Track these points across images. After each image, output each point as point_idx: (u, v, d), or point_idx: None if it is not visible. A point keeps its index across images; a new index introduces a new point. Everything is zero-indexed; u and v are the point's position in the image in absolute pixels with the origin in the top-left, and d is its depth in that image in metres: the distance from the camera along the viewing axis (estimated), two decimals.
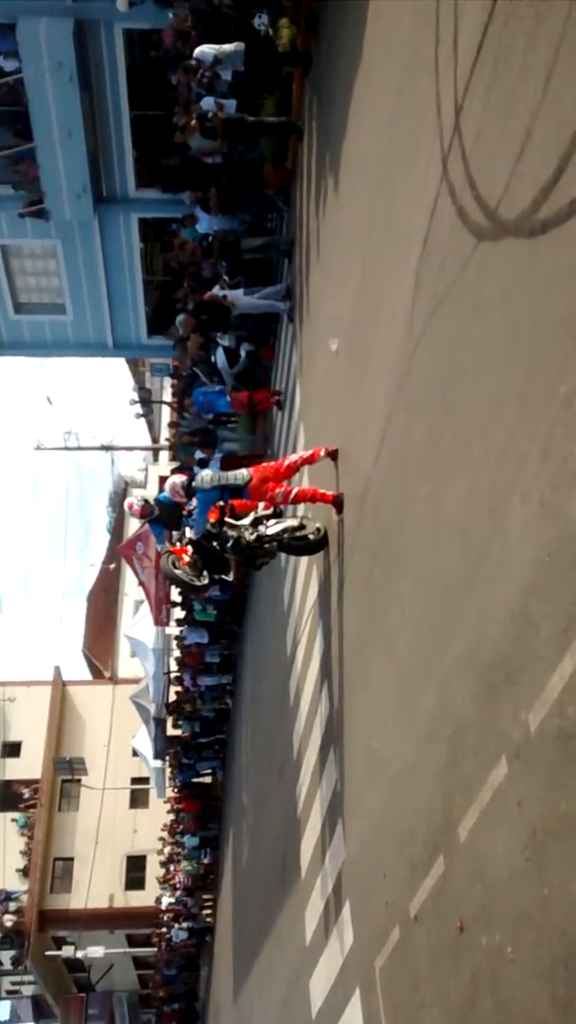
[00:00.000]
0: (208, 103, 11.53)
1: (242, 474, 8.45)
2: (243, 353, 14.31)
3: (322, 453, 8.45)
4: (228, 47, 11.28)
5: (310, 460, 8.58)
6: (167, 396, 27.19)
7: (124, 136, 15.84)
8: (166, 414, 30.32)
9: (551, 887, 3.38)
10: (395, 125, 6.52)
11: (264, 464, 8.94)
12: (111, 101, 15.37)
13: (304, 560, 10.49)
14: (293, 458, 8.70)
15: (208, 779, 29.45)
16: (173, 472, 16.68)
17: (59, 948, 33.98)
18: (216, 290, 13.25)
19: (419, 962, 5.09)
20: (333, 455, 8.38)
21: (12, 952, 33.33)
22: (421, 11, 5.70)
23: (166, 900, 31.92)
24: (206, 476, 8.42)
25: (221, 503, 8.43)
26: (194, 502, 8.53)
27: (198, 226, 13.95)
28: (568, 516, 3.34)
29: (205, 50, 11.22)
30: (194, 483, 8.48)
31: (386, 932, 5.78)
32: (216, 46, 11.28)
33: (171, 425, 22.46)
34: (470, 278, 4.59)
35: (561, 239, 3.51)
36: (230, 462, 15.17)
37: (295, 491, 8.40)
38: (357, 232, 7.79)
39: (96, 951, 33.00)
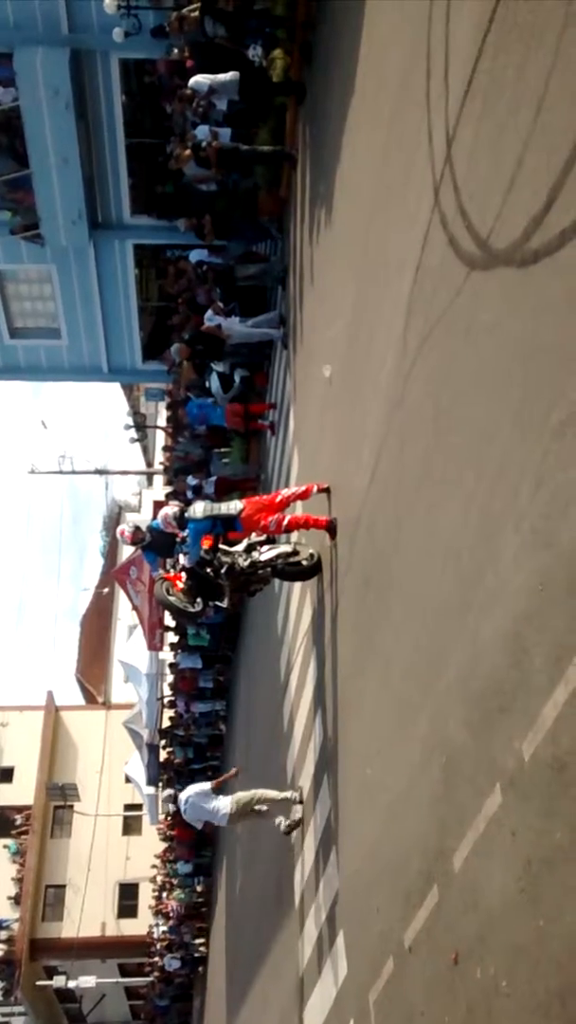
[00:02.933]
0: (203, 132, 11.65)
1: (235, 505, 8.47)
2: (237, 379, 14.37)
3: (315, 489, 8.47)
4: (223, 77, 11.41)
5: (303, 496, 8.60)
6: (161, 421, 27.28)
7: (119, 163, 15.98)
8: (160, 439, 30.39)
9: (546, 919, 3.34)
10: (387, 154, 6.58)
11: (257, 497, 8.97)
12: (107, 129, 15.52)
13: (297, 586, 10.47)
14: (286, 493, 8.72)
15: None
16: (167, 497, 16.71)
17: (50, 978, 33.45)
18: (209, 315, 13.31)
19: (413, 994, 5.03)
20: (326, 491, 8.40)
21: (2, 983, 32.86)
22: (413, 44, 5.78)
23: (159, 929, 31.57)
24: (199, 507, 8.45)
25: (214, 534, 8.43)
26: (187, 531, 8.53)
27: (191, 255, 14.07)
28: (560, 544, 3.33)
29: (200, 79, 11.35)
30: (186, 514, 8.49)
31: (380, 963, 5.71)
32: (211, 76, 11.42)
33: (166, 449, 22.51)
34: (462, 306, 4.62)
35: (552, 269, 3.53)
36: (224, 484, 15.20)
37: (288, 519, 8.40)
38: (350, 259, 7.84)
39: (88, 981, 32.51)
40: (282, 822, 9.37)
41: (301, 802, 9.18)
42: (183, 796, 9.96)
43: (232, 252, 13.63)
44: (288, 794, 9.44)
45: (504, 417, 3.95)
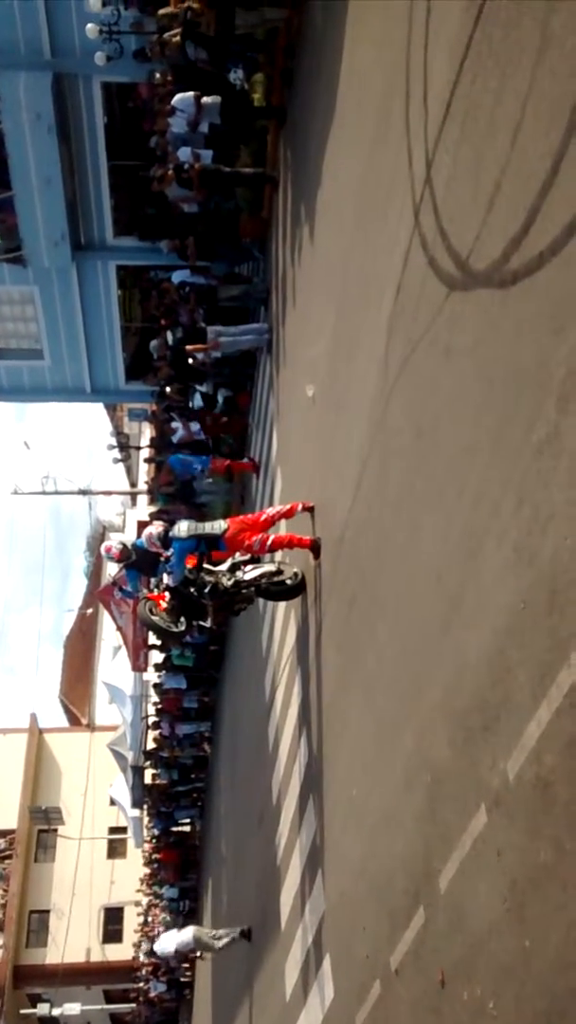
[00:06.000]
0: (185, 154, 11.73)
1: (219, 524, 8.47)
2: (220, 399, 14.40)
3: (300, 508, 8.48)
4: (205, 100, 11.50)
5: (288, 514, 8.61)
6: (145, 441, 27.27)
7: (102, 185, 16.04)
8: (144, 458, 30.32)
9: (532, 939, 3.33)
10: (368, 177, 6.65)
11: (241, 516, 8.97)
12: (89, 151, 15.59)
13: (282, 605, 10.46)
14: (271, 511, 8.72)
15: (187, 828, 29.00)
16: (152, 517, 16.65)
17: (34, 1006, 32.99)
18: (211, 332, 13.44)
19: (401, 1017, 4.99)
20: (310, 510, 8.41)
21: None
22: (392, 69, 5.84)
23: (144, 953, 31.21)
24: (183, 526, 8.43)
25: (198, 553, 8.42)
26: (171, 550, 8.50)
27: (174, 276, 14.12)
28: (541, 562, 3.35)
29: (186, 96, 11.41)
30: (171, 533, 8.47)
31: (367, 986, 5.67)
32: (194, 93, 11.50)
33: (148, 461, 22.46)
34: (442, 327, 4.65)
35: (530, 290, 3.57)
36: (212, 429, 15.05)
37: (272, 539, 8.39)
38: (332, 280, 7.89)
39: (73, 1008, 32.05)
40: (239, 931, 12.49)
41: (248, 938, 12.02)
42: (159, 943, 14.05)
43: (215, 273, 13.69)
44: (236, 933, 12.53)
45: (485, 436, 3.97)
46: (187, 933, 12.97)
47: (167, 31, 11.68)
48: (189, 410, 14.78)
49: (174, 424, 15.20)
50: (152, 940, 30.24)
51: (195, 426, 14.92)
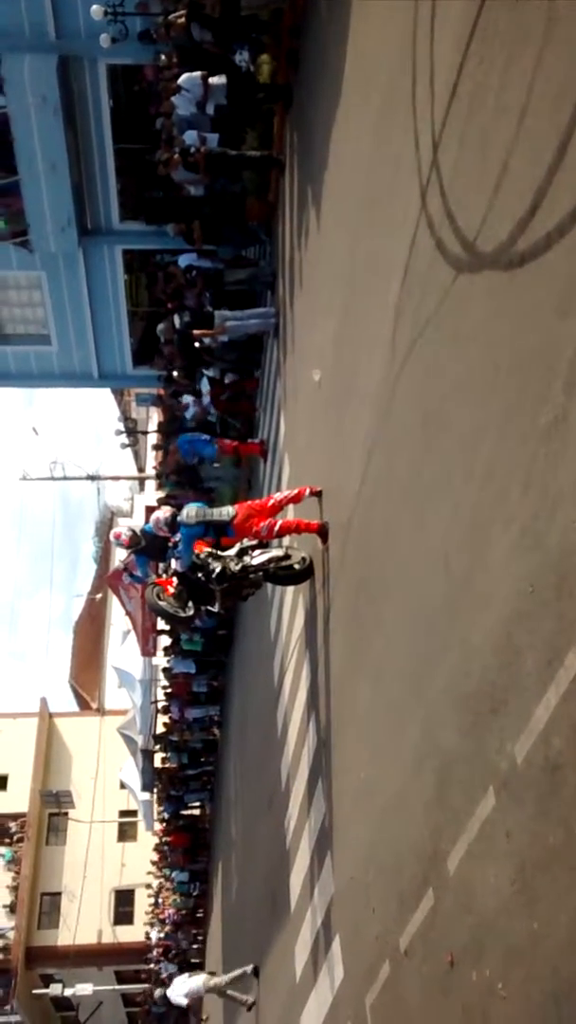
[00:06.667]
0: (191, 137, 11.67)
1: (227, 510, 8.47)
2: (228, 383, 14.37)
3: (307, 492, 8.48)
4: (213, 80, 11.43)
5: (295, 499, 8.60)
6: (152, 426, 27.26)
7: (108, 169, 15.98)
8: (152, 441, 30.31)
9: (541, 921, 3.34)
10: (374, 159, 6.61)
11: (249, 502, 8.97)
12: (95, 135, 15.52)
13: (290, 590, 10.47)
14: (278, 496, 8.72)
15: (196, 811, 29.17)
16: (160, 502, 16.66)
17: (47, 986, 33.33)
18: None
19: (410, 998, 5.03)
20: (318, 494, 8.41)
21: None
22: (398, 50, 5.80)
23: (155, 935, 31.48)
24: (191, 511, 8.43)
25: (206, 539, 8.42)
26: (179, 536, 8.51)
27: (180, 260, 14.07)
28: (549, 546, 3.34)
29: (192, 76, 11.34)
30: (179, 518, 8.48)
31: (376, 967, 5.71)
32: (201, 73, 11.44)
33: (156, 448, 22.48)
34: (449, 310, 4.63)
35: (538, 272, 3.55)
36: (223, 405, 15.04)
37: (279, 523, 8.39)
38: (339, 264, 7.86)
39: (84, 989, 32.36)
40: (248, 1000, 12.42)
41: (256, 975, 12.03)
42: (171, 989, 14.28)
43: (221, 256, 13.65)
44: (241, 971, 12.53)
45: (492, 420, 3.96)
46: (196, 980, 13.69)
47: (172, 12, 11.62)
48: (197, 392, 14.75)
49: (185, 400, 15.13)
50: (163, 923, 30.54)
51: (206, 399, 14.85)
